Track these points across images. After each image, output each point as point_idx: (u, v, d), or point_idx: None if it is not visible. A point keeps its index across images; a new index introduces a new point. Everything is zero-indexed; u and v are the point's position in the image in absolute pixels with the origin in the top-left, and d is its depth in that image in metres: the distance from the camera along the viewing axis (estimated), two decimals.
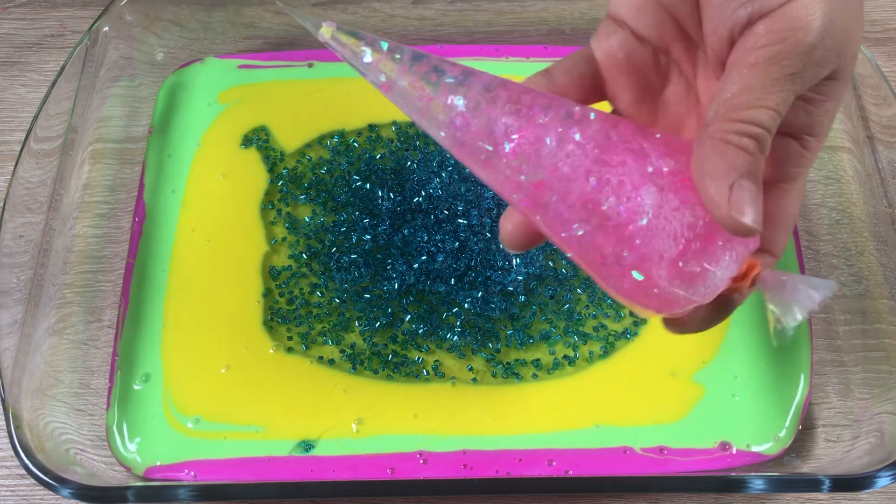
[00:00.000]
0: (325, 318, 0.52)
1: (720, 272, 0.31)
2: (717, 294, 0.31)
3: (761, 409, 0.48)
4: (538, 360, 0.50)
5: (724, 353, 0.50)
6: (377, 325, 0.51)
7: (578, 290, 0.52)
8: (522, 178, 0.31)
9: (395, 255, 0.53)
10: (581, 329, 0.51)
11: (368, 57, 0.32)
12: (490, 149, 0.32)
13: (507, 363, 0.50)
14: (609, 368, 0.50)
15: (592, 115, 0.32)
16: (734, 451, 0.47)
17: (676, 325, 0.34)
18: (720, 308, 0.33)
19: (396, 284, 0.52)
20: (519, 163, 0.31)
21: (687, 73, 0.35)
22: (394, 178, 0.56)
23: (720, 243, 0.31)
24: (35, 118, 0.52)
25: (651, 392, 0.49)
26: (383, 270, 0.52)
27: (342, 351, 0.51)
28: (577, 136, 0.31)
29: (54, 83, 0.53)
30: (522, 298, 0.52)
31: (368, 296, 0.52)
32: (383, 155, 0.57)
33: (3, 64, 0.62)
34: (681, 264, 0.30)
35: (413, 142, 0.58)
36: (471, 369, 0.50)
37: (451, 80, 0.32)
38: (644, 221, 0.31)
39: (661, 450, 0.47)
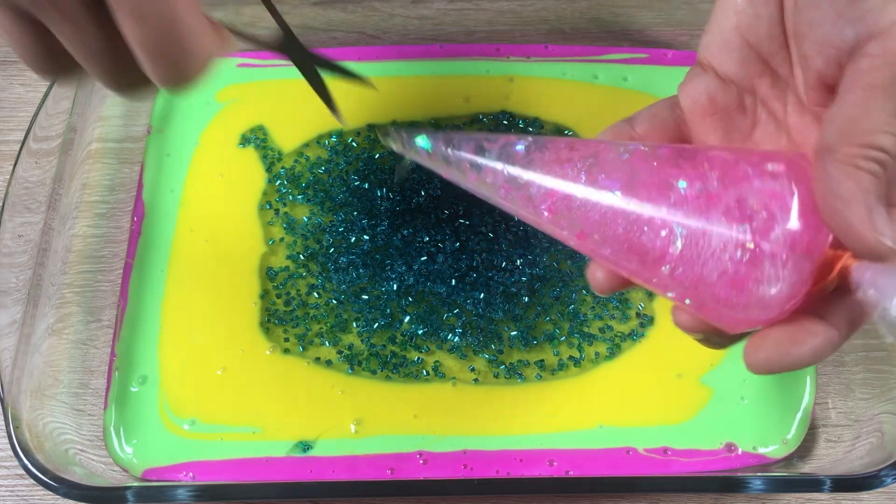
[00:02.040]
0: (323, 319, 0.51)
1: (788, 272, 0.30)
2: (799, 295, 0.30)
3: (770, 411, 0.48)
4: (542, 361, 0.50)
5: (732, 356, 0.49)
6: (375, 326, 0.51)
7: (584, 291, 0.52)
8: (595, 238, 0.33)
9: (394, 255, 0.53)
10: (586, 330, 0.51)
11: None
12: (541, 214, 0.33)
13: (510, 364, 0.50)
14: (615, 370, 0.50)
15: (626, 156, 0.32)
16: (739, 452, 0.47)
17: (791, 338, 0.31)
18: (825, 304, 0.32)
19: (395, 285, 0.52)
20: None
21: (775, 112, 0.35)
22: (392, 176, 0.56)
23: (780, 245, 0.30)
24: (34, 117, 0.51)
25: (657, 393, 0.49)
26: (382, 271, 0.52)
27: (339, 352, 0.50)
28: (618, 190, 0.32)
29: (53, 82, 0.53)
30: (526, 300, 0.51)
31: (366, 297, 0.52)
32: (382, 154, 0.57)
33: (3, 63, 0.62)
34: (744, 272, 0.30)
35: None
36: (472, 370, 0.50)
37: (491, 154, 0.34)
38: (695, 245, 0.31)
39: (664, 450, 0.47)
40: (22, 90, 0.60)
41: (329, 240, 0.53)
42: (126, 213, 0.55)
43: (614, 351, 0.50)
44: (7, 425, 0.43)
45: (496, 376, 0.50)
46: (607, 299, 0.52)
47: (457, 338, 0.50)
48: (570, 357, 0.50)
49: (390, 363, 0.50)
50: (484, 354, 0.50)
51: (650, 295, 0.52)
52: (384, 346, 0.50)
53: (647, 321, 0.51)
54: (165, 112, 0.58)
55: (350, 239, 0.53)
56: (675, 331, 0.50)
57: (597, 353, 0.50)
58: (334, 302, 0.52)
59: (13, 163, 0.50)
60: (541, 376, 0.50)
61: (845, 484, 0.42)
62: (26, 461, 0.42)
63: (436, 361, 0.50)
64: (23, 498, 0.48)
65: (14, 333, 0.46)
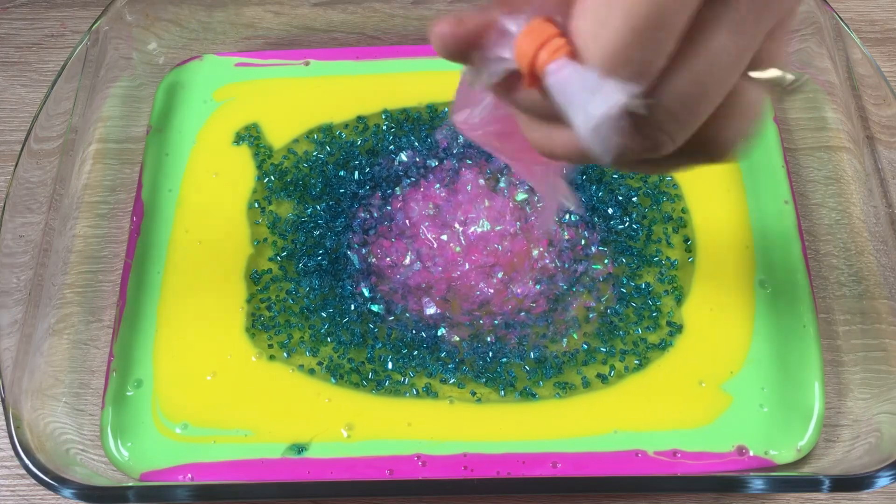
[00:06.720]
0: (300, 327, 0.50)
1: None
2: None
3: (787, 418, 0.47)
4: (565, 382, 0.48)
5: (751, 365, 0.49)
6: (349, 343, 0.48)
7: (632, 304, 0.50)
8: None
9: (349, 258, 0.50)
10: (621, 346, 0.49)
11: None
12: None
13: (524, 388, 0.48)
14: (640, 380, 0.48)
15: None
16: (750, 455, 0.46)
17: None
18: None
19: (353, 305, 0.49)
20: None
21: None
22: (368, 157, 0.54)
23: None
24: (35, 118, 0.52)
25: (678, 400, 0.48)
26: (338, 282, 0.50)
27: (320, 363, 0.49)
28: None
29: (54, 83, 0.53)
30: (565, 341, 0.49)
31: (332, 309, 0.49)
32: (365, 139, 0.56)
33: (3, 64, 0.62)
34: None
35: (402, 125, 0.57)
36: (473, 394, 0.48)
37: None
38: None
39: (674, 453, 0.46)
40: (23, 91, 0.61)
41: (301, 238, 0.52)
42: (127, 213, 0.55)
43: (643, 362, 0.49)
44: (8, 425, 0.43)
45: (503, 395, 0.48)
46: (643, 306, 0.50)
47: (448, 373, 0.48)
48: (598, 374, 0.48)
49: (372, 380, 0.48)
50: (489, 385, 0.48)
51: (678, 301, 0.51)
52: (363, 362, 0.48)
53: (675, 329, 0.50)
54: (165, 111, 0.58)
55: (314, 234, 0.52)
56: (701, 338, 0.50)
57: (626, 367, 0.49)
58: (306, 311, 0.50)
59: (14, 163, 0.50)
60: (560, 395, 0.48)
61: (844, 484, 0.42)
62: (27, 461, 0.42)
63: (427, 384, 0.48)
64: (24, 498, 0.48)
65: (15, 333, 0.47)
